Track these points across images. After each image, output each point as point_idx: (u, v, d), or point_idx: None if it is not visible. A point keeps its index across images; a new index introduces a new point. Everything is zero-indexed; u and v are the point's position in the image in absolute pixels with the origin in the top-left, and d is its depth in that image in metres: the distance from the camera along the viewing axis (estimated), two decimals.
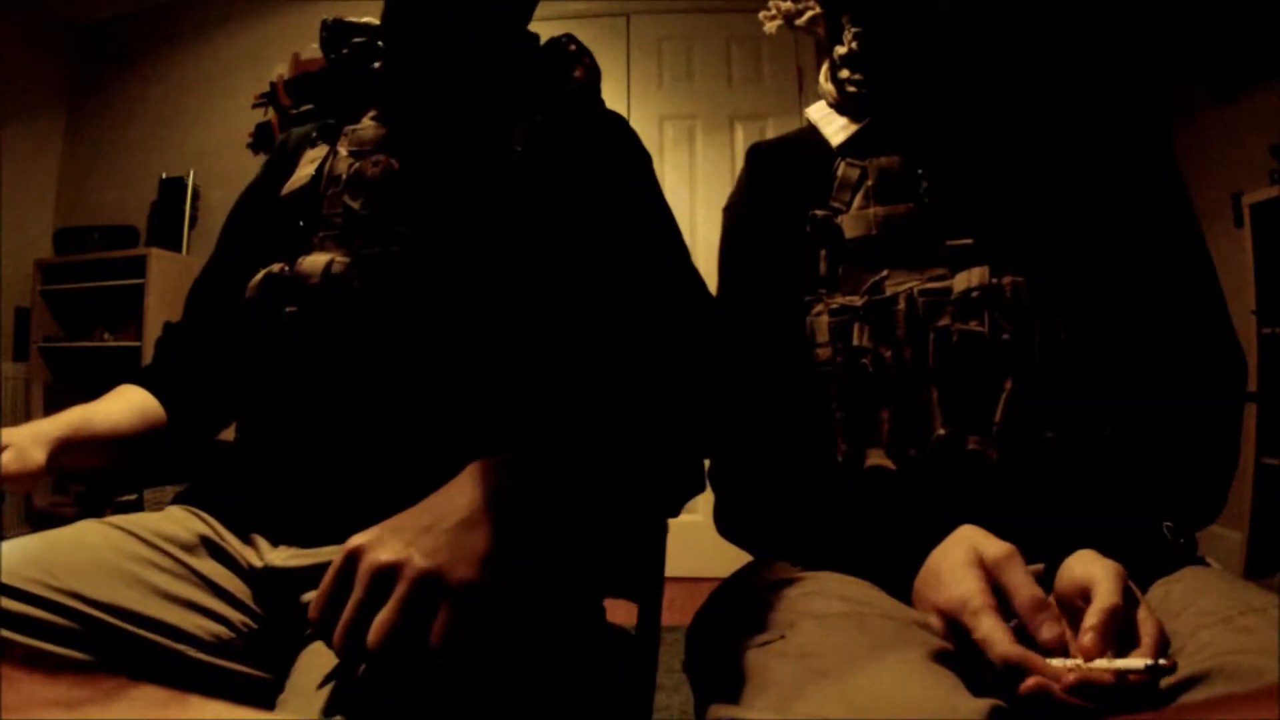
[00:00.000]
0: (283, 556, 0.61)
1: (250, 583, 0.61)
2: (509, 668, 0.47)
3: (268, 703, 0.55)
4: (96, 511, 0.71)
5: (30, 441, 0.62)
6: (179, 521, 0.63)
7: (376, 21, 0.78)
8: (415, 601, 0.42)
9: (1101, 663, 0.43)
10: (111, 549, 0.57)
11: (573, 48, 0.78)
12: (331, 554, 0.57)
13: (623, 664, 0.67)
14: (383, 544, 0.44)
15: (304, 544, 0.61)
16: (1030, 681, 0.43)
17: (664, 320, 0.68)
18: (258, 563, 0.61)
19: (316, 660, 0.50)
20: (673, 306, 0.70)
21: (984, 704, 0.39)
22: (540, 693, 0.49)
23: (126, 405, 0.72)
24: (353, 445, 0.63)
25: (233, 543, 0.63)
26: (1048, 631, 0.46)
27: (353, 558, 0.44)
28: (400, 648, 0.41)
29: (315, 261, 0.67)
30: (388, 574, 0.43)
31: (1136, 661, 0.42)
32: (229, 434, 0.79)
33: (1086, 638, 0.44)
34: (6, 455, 0.60)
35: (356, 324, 0.65)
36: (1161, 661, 0.41)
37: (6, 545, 0.54)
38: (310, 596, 0.52)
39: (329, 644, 0.44)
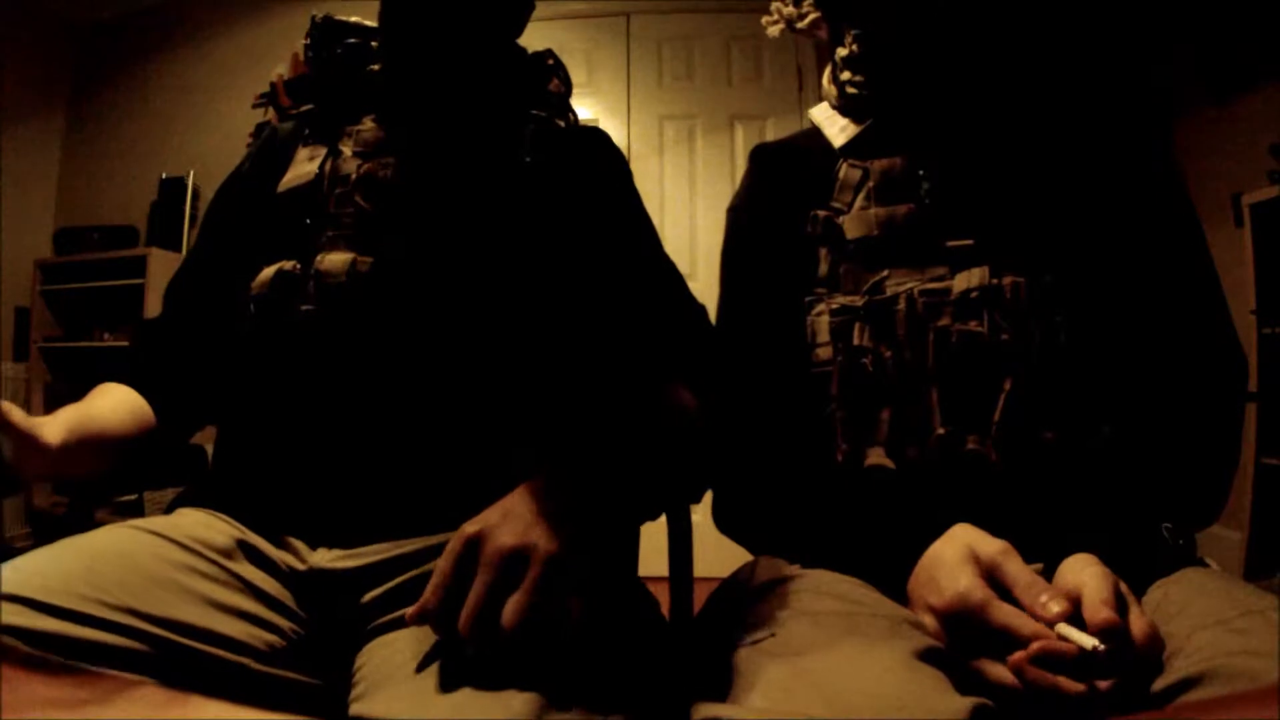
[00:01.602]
0: (330, 558, 0.59)
1: (291, 586, 0.59)
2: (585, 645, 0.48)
3: (315, 708, 0.54)
4: (90, 510, 0.70)
5: (44, 421, 0.57)
6: (208, 525, 0.61)
7: (368, 22, 0.78)
8: (546, 583, 0.44)
9: (1062, 627, 0.43)
10: (152, 557, 0.55)
11: (550, 62, 0.81)
12: (382, 552, 0.59)
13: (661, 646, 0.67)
14: (503, 530, 0.45)
15: (346, 545, 0.60)
16: (1016, 656, 0.43)
17: (671, 322, 0.71)
18: (299, 565, 0.60)
19: (388, 653, 0.50)
20: (677, 308, 0.73)
21: (968, 702, 0.39)
22: (600, 669, 0.48)
23: (118, 406, 0.69)
24: (382, 445, 0.62)
25: (264, 545, 0.60)
26: (1056, 606, 0.45)
27: (473, 544, 0.45)
28: (537, 628, 0.43)
29: (338, 261, 0.67)
30: (516, 557, 0.44)
31: (1086, 640, 0.42)
32: (208, 434, 0.76)
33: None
34: (16, 413, 0.55)
35: (387, 324, 0.65)
36: (1099, 647, 0.41)
37: (38, 558, 0.51)
38: (372, 596, 0.56)
39: (441, 631, 0.45)
